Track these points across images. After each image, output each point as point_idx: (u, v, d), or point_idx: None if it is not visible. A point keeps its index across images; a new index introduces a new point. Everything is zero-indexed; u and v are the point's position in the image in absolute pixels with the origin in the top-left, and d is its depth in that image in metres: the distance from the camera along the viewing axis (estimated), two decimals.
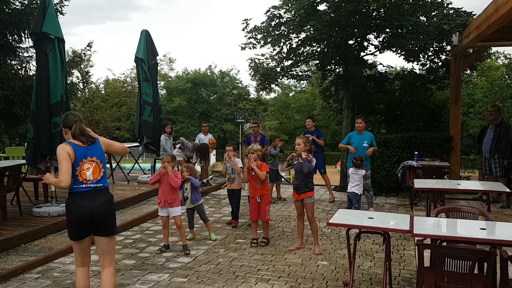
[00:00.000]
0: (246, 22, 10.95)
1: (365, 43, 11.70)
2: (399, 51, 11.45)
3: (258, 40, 10.94)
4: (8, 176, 7.29)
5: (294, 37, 11.17)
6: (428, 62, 11.72)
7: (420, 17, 10.59)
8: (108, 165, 11.35)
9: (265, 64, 12.20)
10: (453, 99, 10.49)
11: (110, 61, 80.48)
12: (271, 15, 10.73)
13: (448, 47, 10.87)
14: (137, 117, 10.81)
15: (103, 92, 34.40)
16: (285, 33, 10.77)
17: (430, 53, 11.47)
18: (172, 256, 6.03)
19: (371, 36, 11.62)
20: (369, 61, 12.35)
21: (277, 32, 10.78)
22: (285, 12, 10.68)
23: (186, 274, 5.31)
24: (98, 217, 3.76)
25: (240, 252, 6.19)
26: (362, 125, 8.51)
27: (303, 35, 10.96)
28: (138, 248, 6.41)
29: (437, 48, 11.18)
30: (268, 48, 11.42)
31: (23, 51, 14.49)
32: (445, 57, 11.46)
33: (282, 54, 11.62)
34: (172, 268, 5.53)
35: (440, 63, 11.62)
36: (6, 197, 7.10)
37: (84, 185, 3.77)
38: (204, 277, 5.21)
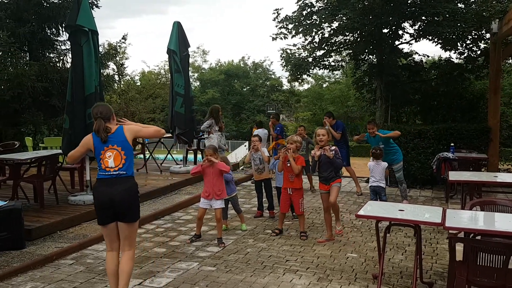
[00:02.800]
0: (277, 12, 10.88)
1: (400, 32, 11.43)
2: (435, 40, 11.12)
3: (289, 30, 10.87)
4: (44, 166, 7.52)
5: (326, 27, 11.03)
6: (466, 50, 11.34)
7: (458, 3, 10.24)
8: (141, 156, 11.56)
9: (296, 54, 12.10)
10: (492, 89, 10.11)
11: (146, 54, 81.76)
12: (302, 4, 10.62)
13: (488, 35, 10.47)
14: (169, 109, 10.93)
15: (138, 84, 35.03)
16: (317, 22, 10.64)
17: (468, 41, 11.10)
18: (201, 245, 6.09)
19: (406, 24, 11.35)
20: (404, 50, 12.06)
21: (308, 22, 10.67)
22: (316, 1, 10.57)
23: (215, 263, 5.35)
24: (118, 204, 3.87)
25: (269, 242, 6.19)
26: (374, 130, 8.19)
27: (335, 24, 10.80)
28: (169, 237, 6.51)
29: (476, 36, 10.80)
30: (300, 38, 11.36)
31: (60, 44, 14.91)
32: (484, 45, 11.06)
33: (314, 44, 11.50)
34: (201, 257, 5.59)
35: (478, 52, 11.22)
36: (43, 186, 7.34)
37: (106, 173, 3.92)
38: (232, 266, 5.24)
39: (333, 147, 6.16)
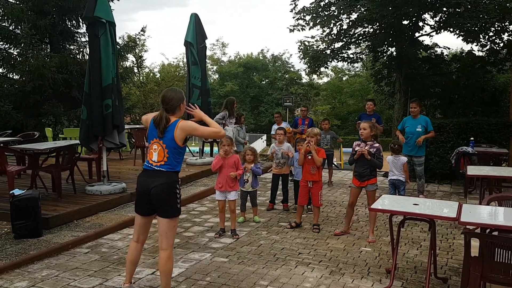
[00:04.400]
0: (294, 3, 10.78)
1: (420, 23, 11.22)
2: (457, 32, 10.88)
3: (307, 22, 10.76)
4: (62, 156, 7.64)
5: (345, 18, 10.90)
6: (488, 43, 11.07)
7: None
8: None
9: (314, 46, 11.99)
10: None
11: (166, 46, 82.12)
12: None
13: (511, 27, 10.19)
14: (186, 101, 10.94)
15: (158, 76, 35.23)
16: (335, 13, 10.51)
17: (490, 33, 10.82)
18: (215, 236, 6.10)
19: (427, 16, 11.14)
20: (425, 42, 11.84)
21: (326, 13, 10.55)
22: None
23: (228, 255, 5.36)
24: (155, 197, 3.81)
25: (282, 235, 6.17)
26: (416, 110, 8.12)
27: (354, 15, 10.65)
28: (183, 228, 6.55)
29: (499, 28, 10.53)
30: (317, 29, 11.27)
31: (81, 36, 15.14)
32: (507, 37, 10.77)
33: (332, 35, 11.38)
34: (214, 248, 5.61)
35: (501, 44, 10.94)
36: (61, 175, 7.45)
37: (149, 165, 3.89)
38: (244, 258, 5.24)
39: (376, 145, 5.93)
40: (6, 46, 14.10)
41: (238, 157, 6.20)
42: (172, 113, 3.88)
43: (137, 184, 3.97)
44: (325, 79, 49.07)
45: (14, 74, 14.43)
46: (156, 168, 3.85)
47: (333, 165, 10.61)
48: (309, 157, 6.28)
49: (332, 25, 10.92)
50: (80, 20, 14.59)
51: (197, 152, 12.72)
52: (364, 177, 5.96)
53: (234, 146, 6.26)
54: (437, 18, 10.99)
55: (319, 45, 11.88)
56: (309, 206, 7.06)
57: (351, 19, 10.82)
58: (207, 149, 12.25)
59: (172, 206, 3.86)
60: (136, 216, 4.06)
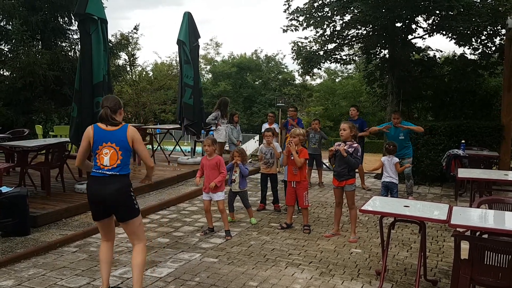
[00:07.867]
0: (288, 3, 10.74)
1: (413, 26, 11.22)
2: (449, 35, 10.90)
3: (300, 22, 10.72)
4: (52, 154, 7.55)
5: (338, 19, 10.88)
6: (480, 46, 11.10)
7: None
8: (149, 146, 11.57)
9: (308, 47, 11.96)
10: (506, 86, 9.89)
11: (161, 45, 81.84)
12: None
13: (503, 31, 10.23)
14: (178, 99, 10.91)
15: (150, 74, 35.07)
16: (329, 14, 10.49)
17: (483, 37, 10.85)
18: (205, 236, 6.07)
19: (420, 19, 11.13)
20: (417, 45, 11.85)
21: (320, 14, 10.52)
22: None
23: (217, 255, 5.33)
24: (110, 204, 3.82)
25: (273, 235, 6.15)
26: (398, 120, 8.30)
27: (347, 17, 10.64)
28: (173, 227, 6.51)
29: (491, 32, 10.56)
30: (311, 30, 11.23)
31: (72, 33, 15.02)
32: (499, 41, 10.81)
33: (325, 36, 11.35)
34: (204, 248, 5.57)
35: (493, 48, 10.97)
36: (50, 173, 7.37)
37: (100, 170, 3.83)
38: (234, 259, 5.21)
39: (355, 145, 5.98)
40: None
41: (221, 158, 6.13)
42: (114, 114, 3.93)
43: (88, 193, 3.93)
44: (318, 81, 49.19)
45: (5, 71, 14.28)
46: (107, 173, 3.80)
47: (324, 166, 10.60)
48: (292, 157, 6.28)
49: (325, 26, 10.90)
50: (72, 17, 14.45)
51: (188, 152, 12.68)
52: (342, 177, 5.99)
53: (215, 147, 6.19)
54: (430, 21, 11.01)
55: (312, 46, 11.86)
56: (299, 207, 7.04)
57: (344, 20, 10.82)
58: (199, 148, 12.19)
59: (131, 208, 3.89)
60: (96, 222, 4.05)
